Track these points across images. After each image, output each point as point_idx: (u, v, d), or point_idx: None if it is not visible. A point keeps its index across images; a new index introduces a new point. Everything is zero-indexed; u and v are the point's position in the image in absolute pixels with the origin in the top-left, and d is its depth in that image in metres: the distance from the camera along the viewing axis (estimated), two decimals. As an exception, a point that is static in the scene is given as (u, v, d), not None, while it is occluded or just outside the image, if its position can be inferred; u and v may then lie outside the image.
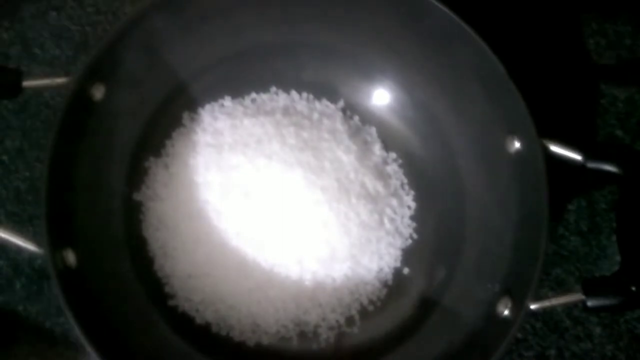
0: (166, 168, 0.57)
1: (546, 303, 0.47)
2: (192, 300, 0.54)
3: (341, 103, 0.61)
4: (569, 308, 0.56)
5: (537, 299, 0.47)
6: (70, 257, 0.49)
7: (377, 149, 0.60)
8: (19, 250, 0.48)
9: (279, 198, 0.54)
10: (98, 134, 0.53)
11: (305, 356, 0.54)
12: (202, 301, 0.54)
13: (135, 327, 0.52)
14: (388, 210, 0.57)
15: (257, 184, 0.55)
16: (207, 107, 0.59)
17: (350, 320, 0.55)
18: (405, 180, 0.59)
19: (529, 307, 0.47)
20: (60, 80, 0.51)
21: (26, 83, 0.50)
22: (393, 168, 0.59)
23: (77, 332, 0.46)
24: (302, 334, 0.55)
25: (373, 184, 0.57)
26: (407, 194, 0.59)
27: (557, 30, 0.64)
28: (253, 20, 0.58)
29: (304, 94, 0.60)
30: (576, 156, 0.49)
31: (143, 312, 0.54)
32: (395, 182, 0.59)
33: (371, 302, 0.56)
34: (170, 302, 0.54)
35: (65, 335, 0.55)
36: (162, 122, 0.58)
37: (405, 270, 0.57)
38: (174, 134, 0.58)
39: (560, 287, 0.57)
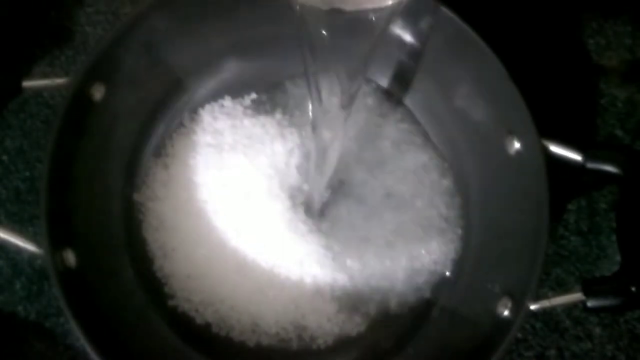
0: (166, 168, 0.57)
1: (546, 303, 0.47)
2: (191, 300, 0.54)
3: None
4: (569, 308, 0.56)
5: (537, 299, 0.47)
6: (70, 257, 0.49)
7: (378, 149, 0.60)
8: (19, 250, 0.48)
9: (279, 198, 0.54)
10: (98, 134, 0.53)
11: (305, 357, 0.54)
12: (201, 301, 0.54)
13: (134, 327, 0.52)
14: (389, 211, 0.57)
15: (257, 184, 0.55)
16: (207, 107, 0.59)
17: (350, 323, 0.55)
18: (406, 181, 0.59)
19: (529, 307, 0.47)
20: (60, 80, 0.51)
21: (26, 83, 0.50)
22: (393, 168, 0.59)
23: (76, 332, 0.46)
24: (301, 337, 0.54)
25: (373, 184, 0.57)
26: (408, 195, 0.59)
27: (557, 30, 0.64)
28: (253, 20, 0.58)
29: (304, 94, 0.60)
30: (576, 156, 0.49)
31: (143, 312, 0.54)
32: (395, 183, 0.59)
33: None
34: (170, 302, 0.54)
35: (65, 335, 0.55)
36: (162, 122, 0.58)
37: (406, 271, 0.57)
38: (174, 134, 0.58)
39: (560, 287, 0.57)
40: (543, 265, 0.47)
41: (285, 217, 0.55)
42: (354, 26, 0.37)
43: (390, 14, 0.37)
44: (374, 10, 0.36)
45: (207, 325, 0.54)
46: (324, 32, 0.39)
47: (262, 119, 0.58)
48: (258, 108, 0.60)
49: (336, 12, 0.35)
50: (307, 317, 0.54)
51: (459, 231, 0.56)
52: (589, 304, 0.47)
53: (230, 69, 0.60)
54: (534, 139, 0.50)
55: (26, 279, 0.56)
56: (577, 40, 0.64)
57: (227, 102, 0.60)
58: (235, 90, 0.60)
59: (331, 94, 0.44)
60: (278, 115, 0.59)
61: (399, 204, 0.57)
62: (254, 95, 0.60)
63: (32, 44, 0.62)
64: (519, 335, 0.56)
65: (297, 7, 0.38)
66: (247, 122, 0.58)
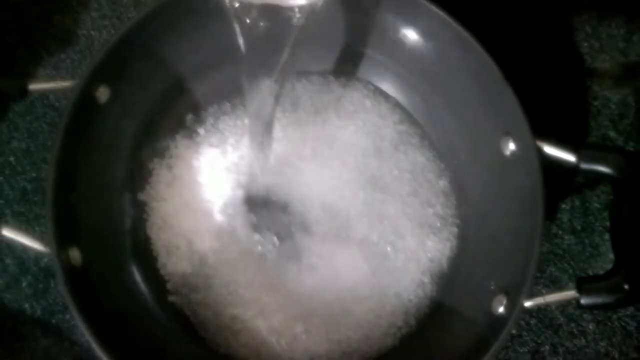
0: (170, 169, 0.58)
1: (540, 300, 0.47)
2: (192, 298, 0.55)
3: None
4: (563, 305, 0.57)
5: (531, 296, 0.47)
6: (76, 255, 0.50)
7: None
8: (25, 249, 0.49)
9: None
10: (103, 135, 0.54)
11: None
12: (199, 300, 0.55)
13: (138, 323, 0.53)
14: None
15: (260, 184, 0.56)
16: (210, 108, 0.60)
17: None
18: (404, 181, 0.60)
19: (523, 304, 0.47)
20: (65, 83, 0.51)
21: (32, 86, 0.51)
22: (392, 169, 0.60)
23: (82, 329, 0.46)
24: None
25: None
26: (406, 195, 0.59)
27: (551, 34, 0.64)
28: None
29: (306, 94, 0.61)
30: (570, 157, 0.49)
31: (146, 309, 0.54)
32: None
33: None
34: (172, 299, 0.55)
35: (71, 332, 0.55)
36: (166, 124, 0.58)
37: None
38: (177, 135, 0.59)
39: (555, 285, 0.57)
40: (537, 263, 0.47)
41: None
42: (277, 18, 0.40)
43: (309, 11, 0.41)
44: (299, 7, 0.40)
45: (201, 325, 0.54)
46: (256, 23, 0.42)
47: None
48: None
49: (267, 7, 0.38)
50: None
51: (455, 230, 0.57)
52: (583, 301, 0.47)
53: (233, 70, 0.60)
54: (529, 140, 0.50)
55: (32, 277, 0.57)
56: (571, 44, 0.64)
57: (230, 102, 0.60)
58: (238, 91, 0.60)
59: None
60: (280, 114, 0.59)
61: (396, 203, 0.57)
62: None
63: (38, 47, 0.62)
64: (514, 331, 0.56)
65: (229, 1, 0.40)
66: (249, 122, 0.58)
